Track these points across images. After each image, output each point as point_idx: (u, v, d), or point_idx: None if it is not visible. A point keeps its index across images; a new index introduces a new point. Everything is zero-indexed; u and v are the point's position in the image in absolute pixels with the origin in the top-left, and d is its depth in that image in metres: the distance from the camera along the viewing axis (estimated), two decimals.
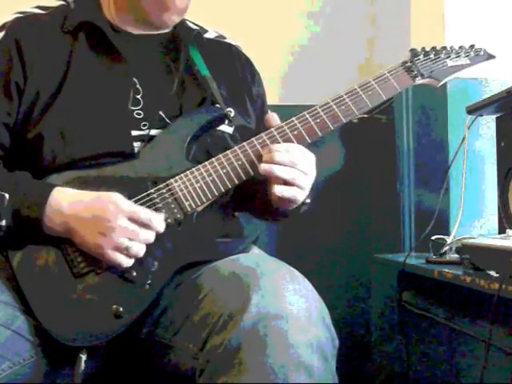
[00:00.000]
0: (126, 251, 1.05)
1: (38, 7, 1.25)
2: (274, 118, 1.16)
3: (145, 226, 1.07)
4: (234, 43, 1.38)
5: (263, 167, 1.10)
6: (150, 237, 1.07)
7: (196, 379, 0.98)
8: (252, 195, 1.27)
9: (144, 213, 1.07)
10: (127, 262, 1.06)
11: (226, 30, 1.40)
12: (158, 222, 1.08)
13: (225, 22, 1.42)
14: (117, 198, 1.08)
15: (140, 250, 1.06)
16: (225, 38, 1.37)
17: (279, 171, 1.10)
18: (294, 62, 2.50)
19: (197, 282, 1.08)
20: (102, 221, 1.05)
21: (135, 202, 1.11)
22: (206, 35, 1.34)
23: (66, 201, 1.08)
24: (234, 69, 1.33)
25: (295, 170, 1.11)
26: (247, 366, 0.91)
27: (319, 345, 0.94)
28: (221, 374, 0.93)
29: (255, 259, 1.07)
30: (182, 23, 1.31)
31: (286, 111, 1.21)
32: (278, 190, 1.11)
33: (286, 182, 1.11)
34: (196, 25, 1.35)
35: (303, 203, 1.20)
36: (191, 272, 1.11)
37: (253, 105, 1.33)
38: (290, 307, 0.94)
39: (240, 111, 1.28)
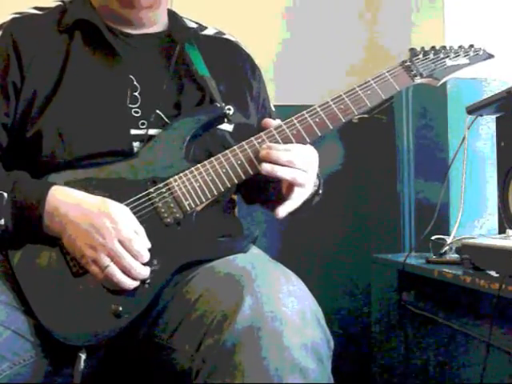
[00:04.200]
0: (103, 268, 1.05)
1: (35, 8, 1.26)
2: (271, 123, 1.16)
3: (133, 255, 1.06)
4: (233, 39, 1.38)
5: (265, 167, 1.10)
6: (132, 266, 1.05)
7: (192, 380, 0.98)
8: (263, 188, 1.28)
9: (138, 244, 1.06)
10: (100, 278, 1.06)
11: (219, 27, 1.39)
12: (145, 257, 1.07)
13: (216, 20, 1.41)
14: (119, 215, 1.06)
15: (114, 272, 1.04)
16: (224, 33, 1.37)
17: (280, 171, 1.10)
18: (288, 62, 2.49)
19: (193, 283, 1.08)
20: (96, 234, 1.05)
21: (134, 201, 1.11)
22: (205, 32, 1.34)
23: (64, 201, 1.08)
24: (234, 64, 1.33)
25: (296, 170, 1.11)
26: (242, 369, 0.90)
27: (314, 346, 0.93)
28: (216, 376, 0.92)
29: (251, 260, 1.07)
30: (178, 22, 1.31)
31: (281, 111, 1.20)
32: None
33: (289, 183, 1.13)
34: (195, 22, 1.35)
35: (316, 194, 1.21)
36: (188, 272, 1.11)
37: (254, 100, 1.32)
38: (285, 309, 0.94)
39: (240, 107, 1.28)
